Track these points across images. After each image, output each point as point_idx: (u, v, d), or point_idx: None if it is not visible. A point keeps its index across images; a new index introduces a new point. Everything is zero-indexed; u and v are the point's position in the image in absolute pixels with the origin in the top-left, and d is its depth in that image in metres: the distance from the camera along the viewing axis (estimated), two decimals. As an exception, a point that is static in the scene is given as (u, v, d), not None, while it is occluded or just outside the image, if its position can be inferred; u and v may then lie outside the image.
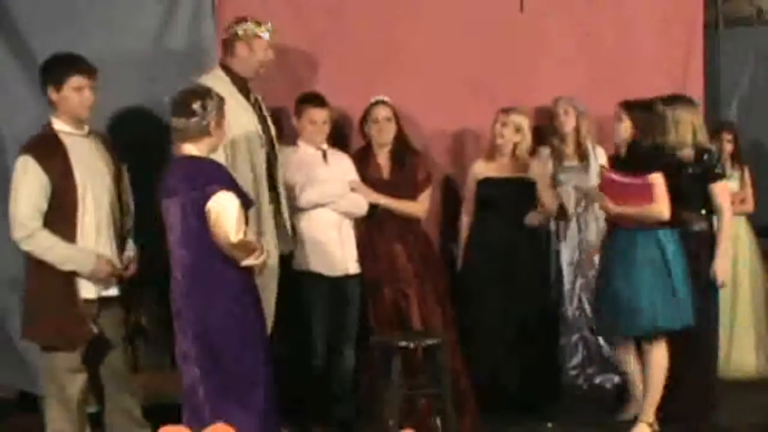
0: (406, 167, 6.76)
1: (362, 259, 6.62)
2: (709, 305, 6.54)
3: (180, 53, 6.59)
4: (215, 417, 4.95)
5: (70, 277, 5.46)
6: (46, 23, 6.30)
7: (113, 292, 5.62)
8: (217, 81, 5.92)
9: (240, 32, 6.05)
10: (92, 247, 5.49)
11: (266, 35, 6.10)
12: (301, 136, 6.57)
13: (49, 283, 5.46)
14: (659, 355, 6.28)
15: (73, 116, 5.53)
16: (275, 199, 6.22)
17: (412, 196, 6.76)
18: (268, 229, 6.10)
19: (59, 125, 5.54)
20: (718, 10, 8.64)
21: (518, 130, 7.01)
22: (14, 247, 6.24)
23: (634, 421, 6.37)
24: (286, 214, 6.28)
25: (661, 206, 6.23)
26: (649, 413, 6.32)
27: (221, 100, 5.31)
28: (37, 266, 5.48)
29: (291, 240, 6.35)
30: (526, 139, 7.06)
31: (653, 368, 6.28)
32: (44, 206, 5.40)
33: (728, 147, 7.71)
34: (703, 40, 8.02)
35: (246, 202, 5.25)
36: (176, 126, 5.23)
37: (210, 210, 5.10)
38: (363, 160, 6.76)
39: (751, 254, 7.84)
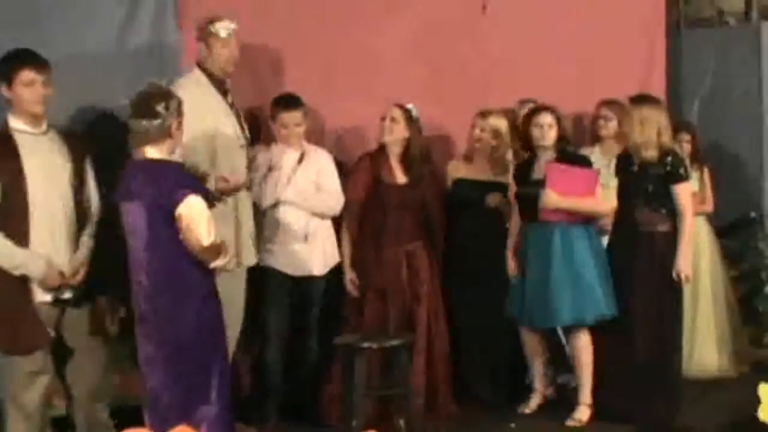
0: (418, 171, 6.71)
1: (364, 263, 6.63)
2: (673, 305, 6.62)
3: (142, 53, 6.55)
4: (182, 418, 4.91)
5: (24, 280, 5.35)
6: (8, 23, 6.23)
7: (67, 295, 5.48)
8: (195, 83, 5.97)
9: (213, 29, 6.06)
10: (46, 249, 5.36)
11: (232, 31, 6.12)
12: (278, 138, 6.55)
13: (3, 287, 5.33)
14: (587, 339, 6.58)
15: (27, 112, 5.39)
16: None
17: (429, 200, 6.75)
18: (247, 231, 6.12)
19: (15, 123, 5.41)
20: (680, 10, 8.69)
21: (496, 134, 7.00)
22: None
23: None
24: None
25: (603, 202, 6.58)
26: (588, 394, 6.59)
27: (180, 102, 5.24)
28: None
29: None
30: (505, 143, 7.05)
31: (585, 352, 6.59)
32: None
33: (687, 147, 7.73)
34: (666, 41, 8.07)
35: (209, 200, 5.21)
36: (137, 128, 5.12)
37: (181, 215, 5.04)
38: (376, 162, 6.69)
39: (712, 254, 7.87)
